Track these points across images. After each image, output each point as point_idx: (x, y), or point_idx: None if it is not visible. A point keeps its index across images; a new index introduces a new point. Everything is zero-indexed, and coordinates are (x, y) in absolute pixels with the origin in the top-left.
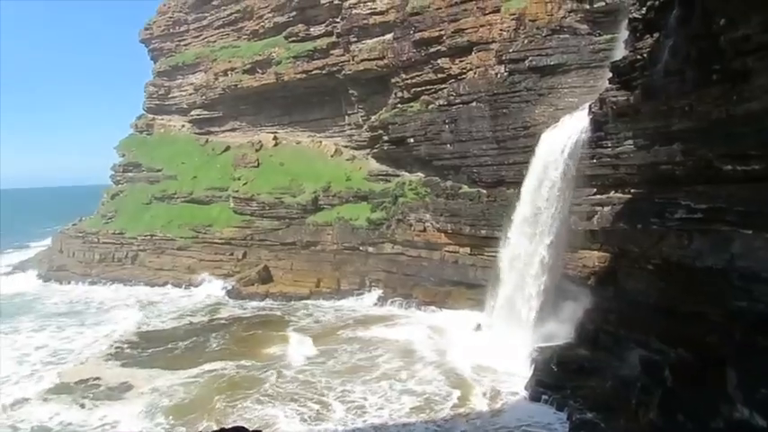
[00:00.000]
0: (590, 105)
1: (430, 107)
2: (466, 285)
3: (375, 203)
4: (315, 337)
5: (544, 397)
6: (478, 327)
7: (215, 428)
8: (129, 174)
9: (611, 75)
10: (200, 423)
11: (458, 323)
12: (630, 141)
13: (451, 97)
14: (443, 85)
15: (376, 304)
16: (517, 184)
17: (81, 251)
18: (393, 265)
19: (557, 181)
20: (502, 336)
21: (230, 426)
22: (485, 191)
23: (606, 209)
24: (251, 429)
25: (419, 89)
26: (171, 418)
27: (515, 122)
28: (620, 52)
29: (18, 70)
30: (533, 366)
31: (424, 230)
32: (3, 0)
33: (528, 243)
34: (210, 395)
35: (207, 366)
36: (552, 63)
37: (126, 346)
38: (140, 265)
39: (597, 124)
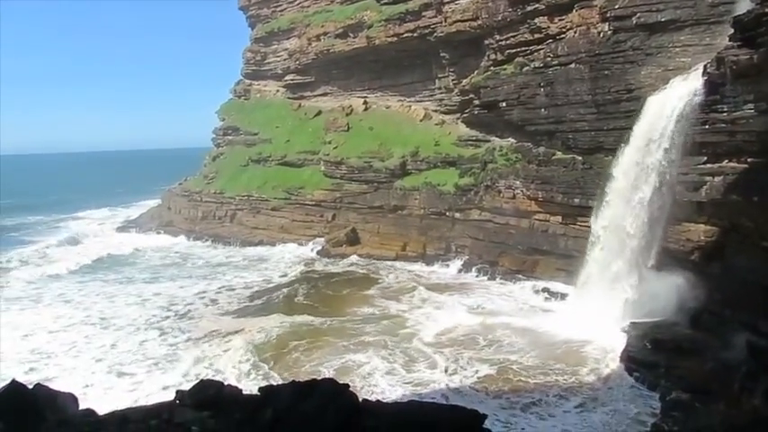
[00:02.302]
0: (705, 65)
1: (524, 69)
2: (555, 255)
3: (463, 169)
4: (398, 297)
5: (635, 374)
6: (566, 298)
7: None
8: (229, 137)
9: (732, 31)
10: (297, 361)
11: (546, 293)
12: (750, 105)
13: (548, 59)
14: (540, 46)
15: (461, 270)
16: (616, 150)
17: (186, 208)
18: (480, 232)
19: (662, 148)
20: (592, 309)
21: (321, 377)
22: (580, 158)
23: (717, 179)
24: (340, 382)
25: (513, 51)
26: (270, 362)
27: (618, 85)
28: (744, 5)
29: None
30: (626, 342)
31: (514, 198)
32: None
33: (626, 213)
34: (308, 342)
35: (299, 317)
36: (663, 19)
37: (233, 299)
38: (238, 224)
39: (712, 86)
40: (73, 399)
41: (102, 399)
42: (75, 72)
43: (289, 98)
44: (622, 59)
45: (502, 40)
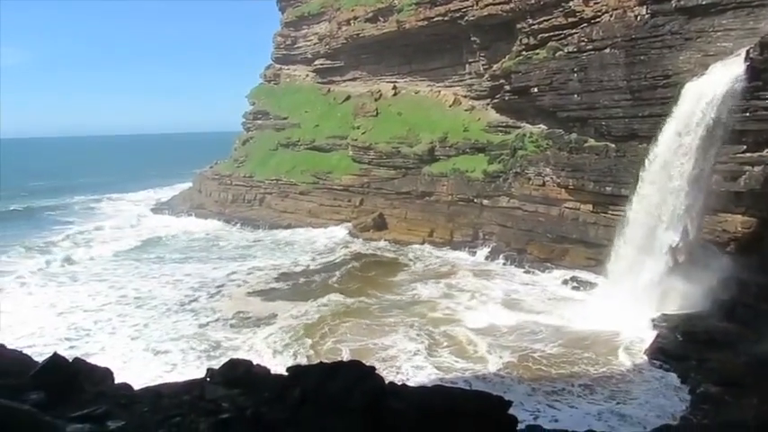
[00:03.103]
0: (747, 51)
1: (557, 54)
2: (585, 244)
3: (492, 155)
4: (425, 282)
5: (665, 366)
6: (595, 287)
7: (336, 359)
8: (258, 121)
9: None
10: (325, 342)
11: (574, 282)
12: None
13: (582, 43)
14: (574, 31)
15: (488, 257)
16: (651, 138)
17: (217, 192)
18: (508, 219)
19: (699, 136)
20: (622, 299)
21: (348, 359)
22: (613, 145)
23: (757, 168)
24: (366, 365)
25: (546, 35)
26: (299, 342)
27: (654, 71)
28: None
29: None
30: (656, 333)
31: (543, 185)
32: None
33: (660, 202)
34: (334, 324)
35: (332, 300)
36: (704, 2)
37: (263, 281)
38: (267, 207)
39: (755, 72)
40: (109, 373)
41: (135, 374)
42: (111, 56)
43: (318, 83)
44: (660, 44)
45: (534, 24)
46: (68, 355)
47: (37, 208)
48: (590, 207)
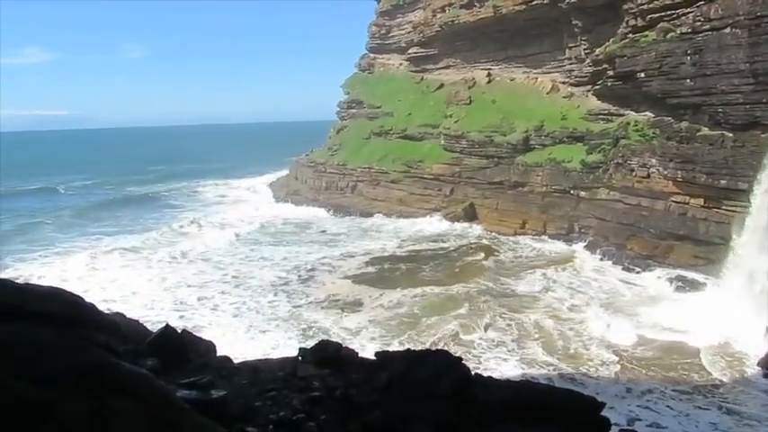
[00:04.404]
0: None
1: (669, 36)
2: (694, 241)
3: (592, 145)
4: (517, 273)
5: None
6: (703, 289)
7: (421, 347)
8: (352, 110)
9: None
10: (412, 329)
11: (679, 282)
12: None
13: (698, 23)
14: (688, 10)
15: (585, 251)
16: None
17: (311, 179)
18: (607, 213)
19: None
20: (733, 303)
21: (435, 347)
22: (730, 134)
23: None
24: (454, 354)
25: (656, 15)
26: (386, 328)
27: None
28: None
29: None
30: None
31: (648, 177)
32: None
33: None
34: (422, 312)
35: (420, 288)
36: None
37: (355, 267)
38: (358, 195)
39: None
40: (212, 346)
41: (234, 348)
42: (218, 48)
43: (411, 71)
44: None
45: (643, 4)
46: (176, 326)
47: (152, 192)
48: (701, 201)
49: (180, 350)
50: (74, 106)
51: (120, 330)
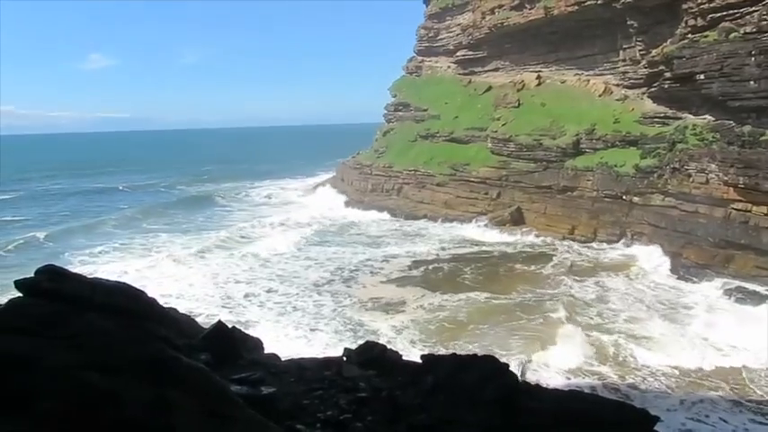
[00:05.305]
0: None
1: (732, 36)
2: (756, 251)
3: (646, 149)
4: (567, 280)
5: None
6: (766, 302)
7: (465, 352)
8: (399, 113)
9: None
10: (456, 334)
11: (739, 294)
12: None
13: (764, 22)
14: (753, 9)
15: (639, 257)
16: None
17: (357, 181)
18: (661, 219)
19: None
20: None
21: (483, 353)
22: None
23: None
24: (501, 361)
25: (718, 15)
26: (429, 332)
27: None
28: None
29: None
30: None
31: (707, 183)
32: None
33: None
34: (467, 318)
35: (464, 293)
36: None
37: (396, 268)
38: (404, 197)
39: None
40: (260, 343)
41: (280, 345)
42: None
43: (459, 74)
44: None
45: (704, 4)
46: (226, 322)
47: (205, 192)
48: (764, 209)
49: (232, 346)
50: (136, 109)
51: (179, 325)
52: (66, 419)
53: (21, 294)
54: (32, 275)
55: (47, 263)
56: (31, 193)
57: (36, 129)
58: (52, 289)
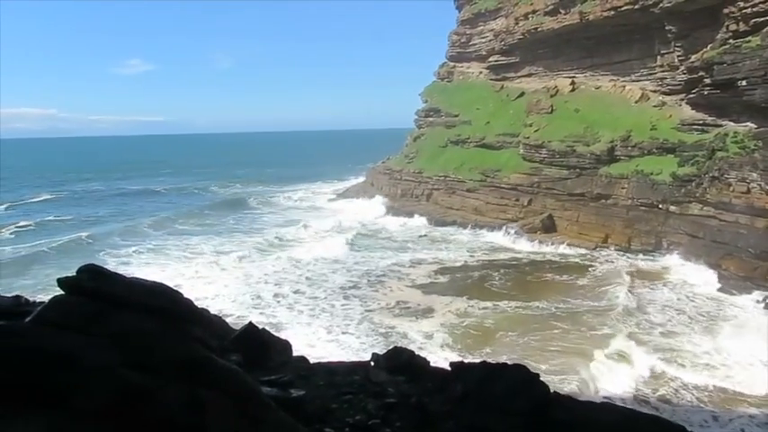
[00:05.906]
0: None
1: None
2: None
3: (684, 157)
4: (599, 290)
5: None
6: None
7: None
8: (430, 118)
9: None
10: (483, 349)
11: None
12: None
13: None
14: None
15: (680, 268)
16: None
17: (387, 186)
18: (699, 229)
19: None
20: None
21: (513, 361)
22: None
23: None
24: (532, 371)
25: (761, 19)
26: (457, 339)
27: None
28: None
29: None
30: None
31: (748, 192)
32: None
33: None
34: (495, 326)
35: (491, 302)
36: None
37: (424, 273)
38: (433, 203)
39: None
40: (288, 345)
41: (308, 348)
42: (297, 58)
43: (491, 80)
44: None
45: (747, 8)
46: (256, 323)
47: (237, 195)
48: None
49: (262, 348)
50: (170, 113)
51: (212, 326)
52: (102, 416)
53: (63, 292)
54: (74, 274)
55: (88, 262)
56: (72, 195)
57: (77, 132)
58: (93, 288)
